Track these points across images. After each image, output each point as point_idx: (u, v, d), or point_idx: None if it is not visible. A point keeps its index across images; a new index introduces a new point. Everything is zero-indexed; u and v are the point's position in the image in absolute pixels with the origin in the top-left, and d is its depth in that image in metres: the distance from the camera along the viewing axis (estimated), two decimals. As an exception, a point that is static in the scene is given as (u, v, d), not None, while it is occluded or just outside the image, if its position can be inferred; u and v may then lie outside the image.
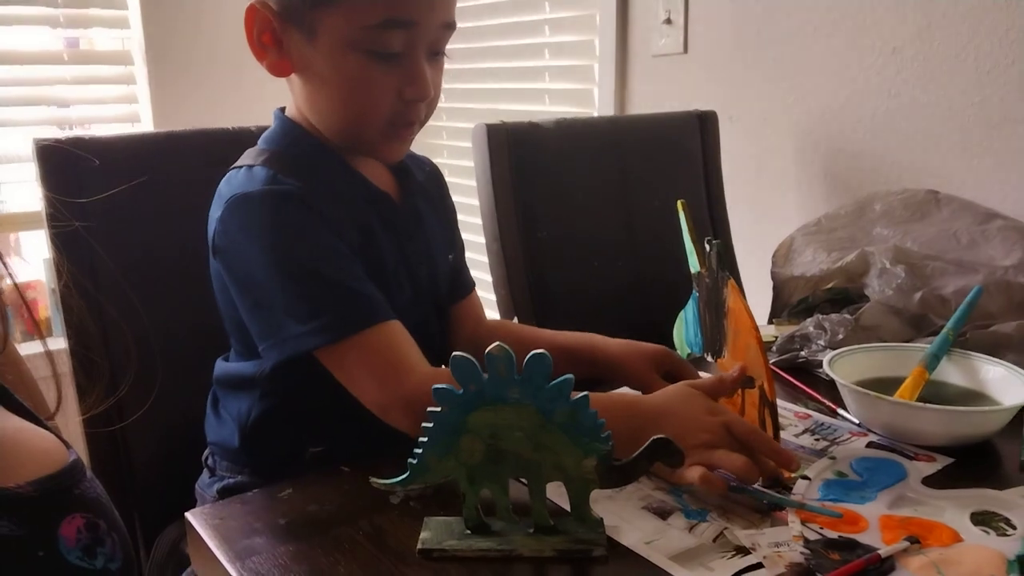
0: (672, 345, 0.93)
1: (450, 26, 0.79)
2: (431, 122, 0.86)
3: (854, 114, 1.41)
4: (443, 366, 0.79)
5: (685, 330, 0.91)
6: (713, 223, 1.44)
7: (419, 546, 0.60)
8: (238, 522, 0.65)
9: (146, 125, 2.30)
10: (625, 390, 0.87)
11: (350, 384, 0.75)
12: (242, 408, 0.83)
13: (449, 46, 0.82)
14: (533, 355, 0.57)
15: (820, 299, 1.13)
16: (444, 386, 0.58)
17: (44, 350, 0.57)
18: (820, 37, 1.43)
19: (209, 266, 0.82)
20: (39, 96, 2.28)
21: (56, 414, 0.54)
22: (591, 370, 0.89)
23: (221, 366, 0.87)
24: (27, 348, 2.42)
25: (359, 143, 0.82)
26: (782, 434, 0.79)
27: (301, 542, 0.61)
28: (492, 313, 1.33)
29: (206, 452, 0.90)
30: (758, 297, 1.40)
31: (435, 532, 0.61)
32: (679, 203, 0.83)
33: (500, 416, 0.59)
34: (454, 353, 0.58)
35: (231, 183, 0.79)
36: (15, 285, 0.51)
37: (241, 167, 0.80)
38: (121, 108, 2.38)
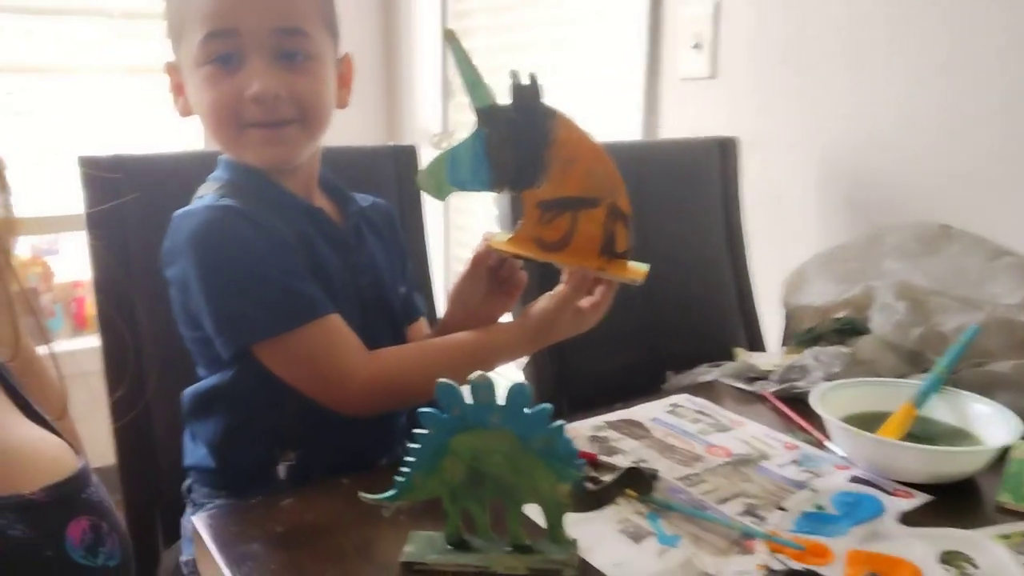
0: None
1: (291, 31, 0.85)
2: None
3: (875, 144, 1.42)
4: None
5: (452, 169, 0.85)
6: (731, 253, 1.46)
7: (402, 559, 0.64)
8: (239, 528, 0.69)
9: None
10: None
11: (295, 381, 0.83)
12: (211, 428, 0.90)
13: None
14: (514, 385, 0.61)
15: (828, 328, 1.15)
16: (430, 410, 0.62)
17: (51, 352, 0.62)
18: (845, 66, 1.45)
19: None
20: (92, 105, 2.39)
21: (64, 415, 0.59)
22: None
23: (188, 392, 0.92)
24: (75, 344, 2.51)
25: (236, 148, 0.89)
26: (765, 463, 0.82)
27: (293, 550, 0.66)
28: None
29: (186, 482, 0.95)
30: (774, 321, 1.42)
31: (418, 546, 0.65)
32: (447, 31, 0.79)
33: (481, 440, 0.63)
34: (439, 380, 0.62)
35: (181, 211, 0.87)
36: (24, 291, 0.56)
37: (194, 200, 0.89)
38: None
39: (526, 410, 0.61)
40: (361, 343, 0.84)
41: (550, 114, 0.80)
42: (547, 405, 0.61)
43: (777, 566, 0.64)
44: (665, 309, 1.37)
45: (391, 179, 1.26)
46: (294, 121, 0.86)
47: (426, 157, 1.45)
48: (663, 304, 1.37)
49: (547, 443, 0.62)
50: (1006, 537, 0.70)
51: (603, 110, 2.00)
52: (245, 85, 0.83)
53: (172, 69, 0.92)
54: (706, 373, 1.11)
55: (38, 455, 0.52)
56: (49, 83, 2.34)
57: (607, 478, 0.68)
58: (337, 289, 0.89)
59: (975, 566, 0.65)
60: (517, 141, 0.82)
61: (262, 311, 0.81)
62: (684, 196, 1.43)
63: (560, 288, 0.86)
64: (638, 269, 0.85)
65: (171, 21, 0.89)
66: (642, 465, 0.79)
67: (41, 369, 0.68)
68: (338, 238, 0.93)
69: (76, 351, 2.40)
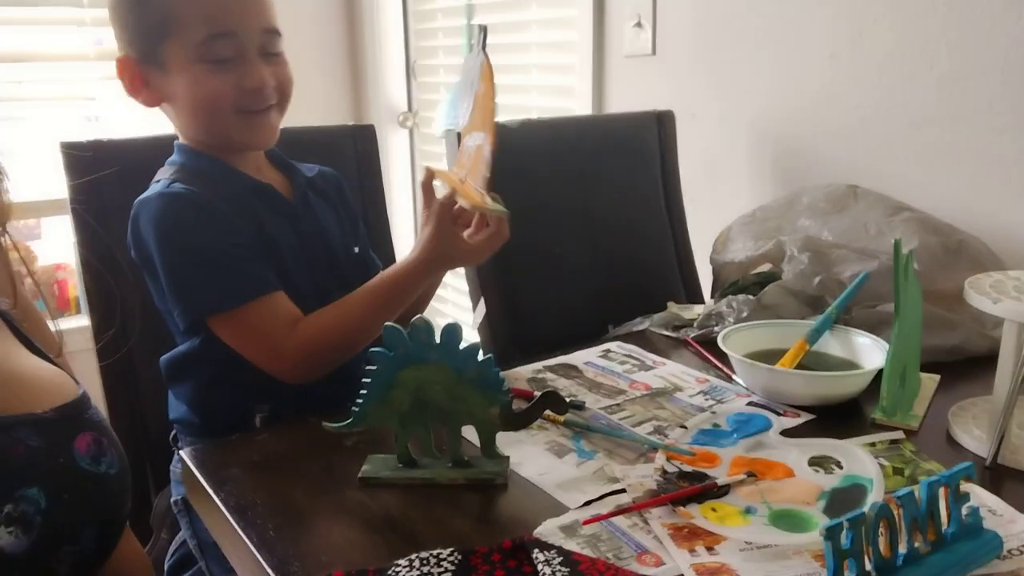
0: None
1: (272, 31, 0.98)
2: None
3: (796, 114, 1.55)
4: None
5: (449, 109, 1.03)
6: (670, 216, 1.59)
7: (360, 475, 0.76)
8: (222, 458, 0.81)
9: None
10: None
11: (241, 352, 0.94)
12: (189, 389, 1.02)
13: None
14: (448, 326, 0.73)
15: (749, 281, 1.27)
16: (379, 349, 0.74)
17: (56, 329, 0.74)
18: (769, 42, 1.57)
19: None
20: (67, 92, 2.47)
21: (61, 353, 0.71)
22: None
23: (164, 359, 1.03)
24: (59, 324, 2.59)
25: (225, 136, 1.00)
26: (678, 394, 0.95)
27: (269, 473, 0.78)
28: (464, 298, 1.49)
29: (172, 432, 1.07)
30: (708, 279, 1.55)
31: (374, 465, 0.78)
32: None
33: (423, 373, 0.75)
34: (386, 323, 0.74)
35: (139, 198, 0.97)
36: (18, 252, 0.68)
37: (151, 184, 0.99)
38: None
39: (460, 346, 0.73)
40: (297, 318, 0.94)
41: (480, 61, 0.93)
42: (476, 342, 0.73)
43: (672, 469, 0.76)
44: (611, 273, 1.49)
45: (351, 158, 1.37)
46: (274, 106, 1.00)
47: (390, 136, 1.55)
48: (609, 268, 1.50)
49: (479, 373, 0.74)
50: (872, 445, 0.83)
51: (557, 87, 2.12)
52: (243, 79, 0.96)
53: (131, 62, 0.97)
54: (639, 323, 1.23)
55: (45, 381, 0.63)
56: (15, 72, 2.40)
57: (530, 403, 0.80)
58: (287, 259, 0.99)
59: (840, 466, 0.78)
60: (464, 83, 0.95)
61: (208, 290, 0.93)
62: (626, 166, 1.55)
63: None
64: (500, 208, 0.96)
65: (151, 18, 0.95)
66: (565, 395, 0.92)
67: (38, 317, 0.79)
68: (287, 210, 1.03)
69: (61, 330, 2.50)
